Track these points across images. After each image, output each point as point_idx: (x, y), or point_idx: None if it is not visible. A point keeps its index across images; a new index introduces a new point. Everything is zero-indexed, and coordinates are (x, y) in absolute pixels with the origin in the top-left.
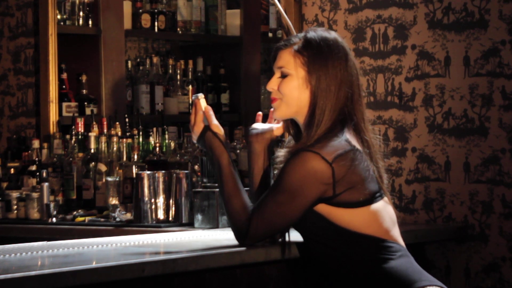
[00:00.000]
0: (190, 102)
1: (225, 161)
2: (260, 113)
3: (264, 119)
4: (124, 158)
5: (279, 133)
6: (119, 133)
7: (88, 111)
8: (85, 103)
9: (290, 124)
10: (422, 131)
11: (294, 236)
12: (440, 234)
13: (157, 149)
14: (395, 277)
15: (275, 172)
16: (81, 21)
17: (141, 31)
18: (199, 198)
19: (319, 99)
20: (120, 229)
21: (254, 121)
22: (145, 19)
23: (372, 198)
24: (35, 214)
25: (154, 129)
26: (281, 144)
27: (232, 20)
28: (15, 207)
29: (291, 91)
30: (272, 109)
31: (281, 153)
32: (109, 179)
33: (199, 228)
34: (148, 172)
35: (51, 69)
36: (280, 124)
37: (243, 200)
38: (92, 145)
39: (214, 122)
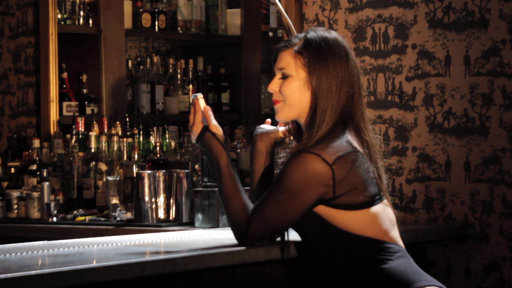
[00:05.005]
0: (190, 101)
1: (224, 161)
2: (269, 120)
3: (265, 119)
4: (125, 158)
5: (284, 135)
6: (120, 133)
7: (88, 110)
8: (86, 102)
9: (292, 125)
10: (423, 130)
11: (292, 235)
12: (440, 234)
13: (158, 148)
14: (394, 277)
15: (275, 172)
16: (81, 21)
17: (141, 30)
18: (200, 197)
19: (320, 100)
20: (121, 228)
21: (254, 121)
22: (146, 19)
23: (371, 201)
24: (35, 214)
25: (155, 128)
26: (284, 145)
27: (233, 20)
28: (15, 206)
29: (293, 93)
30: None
31: (283, 153)
32: (110, 178)
33: (200, 228)
34: (149, 171)
35: (51, 68)
36: (286, 127)
37: (243, 200)
38: (93, 145)
39: (213, 122)
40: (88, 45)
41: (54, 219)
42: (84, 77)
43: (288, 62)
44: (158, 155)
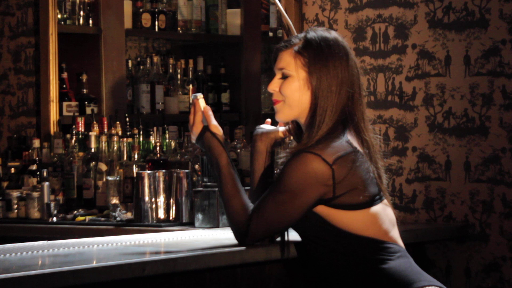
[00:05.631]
0: (190, 101)
1: (224, 161)
2: (269, 120)
3: (265, 119)
4: (125, 158)
5: (284, 135)
6: (120, 133)
7: (88, 110)
8: (86, 102)
9: (292, 125)
10: (423, 130)
11: (292, 235)
12: (440, 234)
13: (158, 148)
14: (394, 277)
15: (275, 172)
16: (81, 21)
17: (141, 30)
18: (200, 197)
19: (320, 100)
20: (121, 228)
21: (254, 121)
22: (146, 19)
23: (371, 201)
24: (35, 214)
25: (155, 128)
26: (284, 145)
27: (233, 20)
28: (15, 206)
29: (293, 93)
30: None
31: (283, 153)
32: (110, 178)
33: (200, 228)
34: (149, 171)
35: (51, 68)
36: (286, 127)
37: (243, 200)
38: (93, 145)
39: (213, 122)
40: (88, 45)
41: (54, 219)
42: (84, 77)
43: (288, 62)
44: (158, 155)
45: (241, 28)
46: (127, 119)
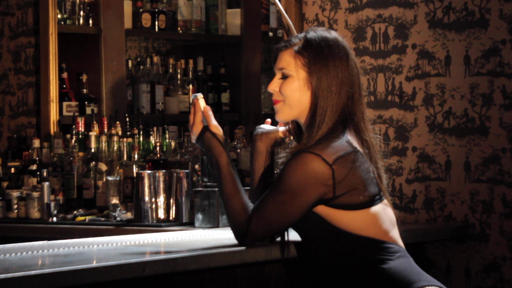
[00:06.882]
0: (190, 101)
1: (224, 161)
2: (269, 120)
3: (265, 119)
4: (125, 158)
5: (284, 135)
6: (120, 133)
7: (88, 110)
8: (86, 102)
9: (292, 125)
10: (423, 130)
11: (292, 235)
12: (440, 234)
13: (158, 148)
14: (394, 277)
15: (275, 172)
16: (81, 21)
17: (141, 30)
18: (200, 197)
19: (320, 100)
20: (121, 228)
21: (254, 121)
22: (146, 19)
23: (371, 201)
24: (35, 214)
25: (155, 128)
26: (284, 145)
27: (233, 20)
28: (15, 206)
29: (293, 93)
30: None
31: (283, 153)
32: (110, 178)
33: (200, 228)
34: (149, 171)
35: (51, 68)
36: (286, 127)
37: (243, 200)
38: (93, 145)
39: (213, 122)
40: (88, 45)
41: (54, 219)
42: (84, 77)
43: (288, 62)
44: (158, 155)
45: (241, 28)
46: (127, 119)
